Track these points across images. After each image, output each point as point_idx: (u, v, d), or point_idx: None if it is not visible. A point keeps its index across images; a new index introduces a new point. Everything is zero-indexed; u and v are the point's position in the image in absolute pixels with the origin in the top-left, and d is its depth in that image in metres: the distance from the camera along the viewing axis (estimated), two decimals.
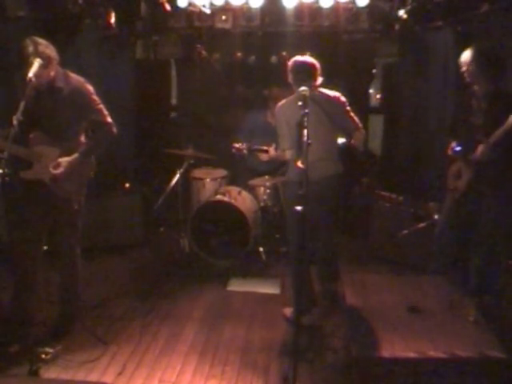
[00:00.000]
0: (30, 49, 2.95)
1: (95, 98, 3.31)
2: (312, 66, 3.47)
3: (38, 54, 2.95)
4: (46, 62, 3.00)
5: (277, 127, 3.64)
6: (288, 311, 3.75)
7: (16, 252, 3.35)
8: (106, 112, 3.35)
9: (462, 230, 3.60)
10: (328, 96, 3.57)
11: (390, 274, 4.48)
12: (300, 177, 2.69)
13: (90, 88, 3.30)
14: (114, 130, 3.37)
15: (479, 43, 3.37)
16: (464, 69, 3.34)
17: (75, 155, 3.24)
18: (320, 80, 3.50)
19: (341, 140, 3.75)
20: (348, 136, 3.68)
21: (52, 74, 3.10)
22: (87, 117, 3.33)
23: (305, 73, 3.43)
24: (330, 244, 3.91)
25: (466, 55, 3.32)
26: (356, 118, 3.62)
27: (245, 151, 4.34)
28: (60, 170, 3.19)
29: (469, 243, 3.61)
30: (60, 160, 3.20)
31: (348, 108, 3.60)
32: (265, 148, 3.98)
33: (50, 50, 3.08)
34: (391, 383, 2.58)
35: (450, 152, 3.53)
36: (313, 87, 3.41)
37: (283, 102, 3.57)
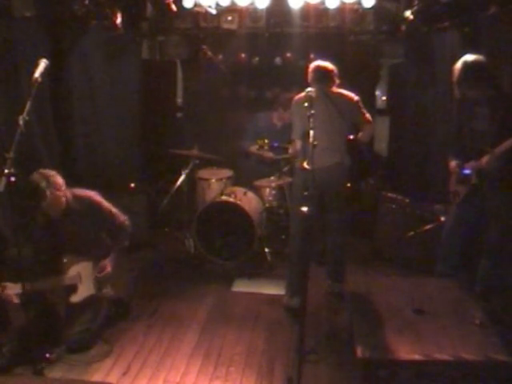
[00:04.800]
0: (43, 184, 3.13)
1: (107, 205, 3.49)
2: (325, 69, 3.80)
3: (51, 186, 3.16)
4: (59, 188, 3.21)
5: (291, 119, 3.97)
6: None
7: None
8: (118, 212, 3.54)
9: (469, 232, 3.58)
10: (341, 94, 3.83)
11: (395, 276, 4.46)
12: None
13: (98, 198, 3.48)
14: (128, 224, 3.59)
15: (465, 58, 3.31)
16: (456, 80, 3.31)
17: (112, 255, 3.51)
18: (336, 81, 3.83)
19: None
20: (355, 131, 3.93)
21: (63, 199, 3.29)
22: (106, 227, 3.53)
23: (320, 74, 3.78)
24: (340, 243, 4.04)
25: (456, 69, 3.29)
26: (368, 115, 3.88)
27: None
28: (107, 270, 3.43)
29: (475, 246, 3.59)
30: (101, 264, 3.43)
31: (361, 105, 3.85)
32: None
33: (59, 178, 3.27)
34: None
35: (453, 170, 3.58)
36: (328, 87, 3.78)
37: (299, 96, 3.78)
